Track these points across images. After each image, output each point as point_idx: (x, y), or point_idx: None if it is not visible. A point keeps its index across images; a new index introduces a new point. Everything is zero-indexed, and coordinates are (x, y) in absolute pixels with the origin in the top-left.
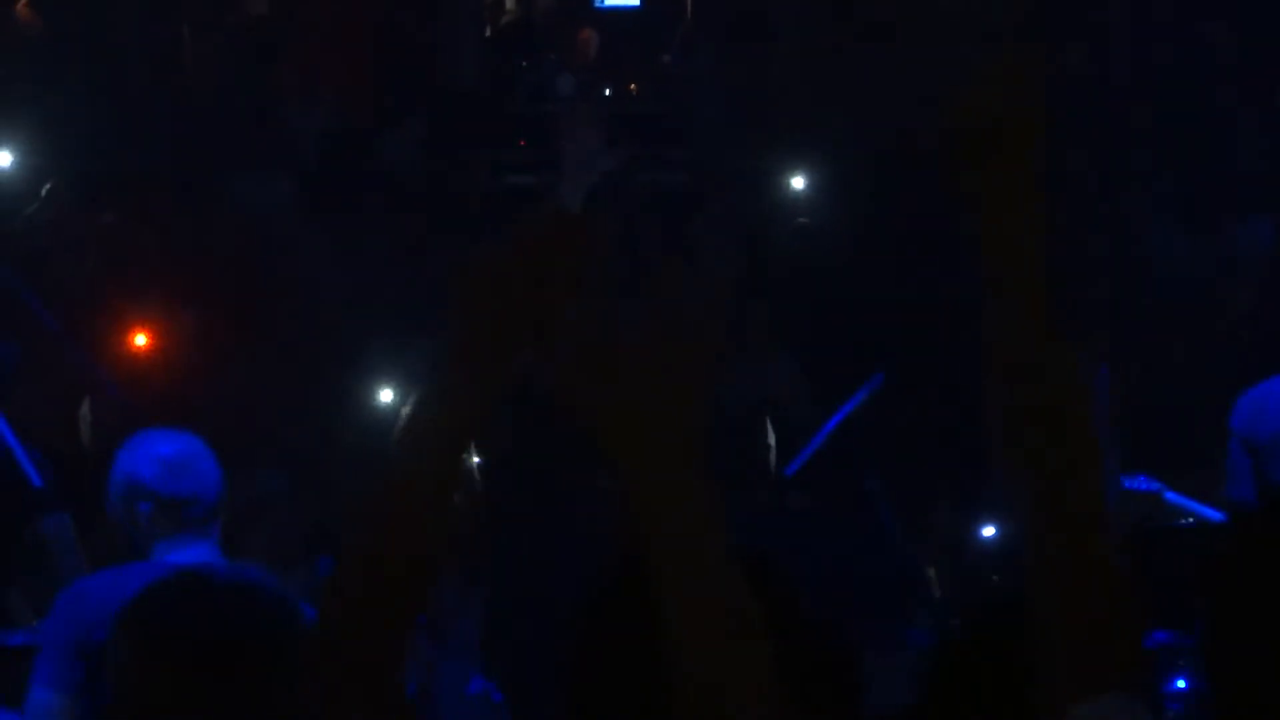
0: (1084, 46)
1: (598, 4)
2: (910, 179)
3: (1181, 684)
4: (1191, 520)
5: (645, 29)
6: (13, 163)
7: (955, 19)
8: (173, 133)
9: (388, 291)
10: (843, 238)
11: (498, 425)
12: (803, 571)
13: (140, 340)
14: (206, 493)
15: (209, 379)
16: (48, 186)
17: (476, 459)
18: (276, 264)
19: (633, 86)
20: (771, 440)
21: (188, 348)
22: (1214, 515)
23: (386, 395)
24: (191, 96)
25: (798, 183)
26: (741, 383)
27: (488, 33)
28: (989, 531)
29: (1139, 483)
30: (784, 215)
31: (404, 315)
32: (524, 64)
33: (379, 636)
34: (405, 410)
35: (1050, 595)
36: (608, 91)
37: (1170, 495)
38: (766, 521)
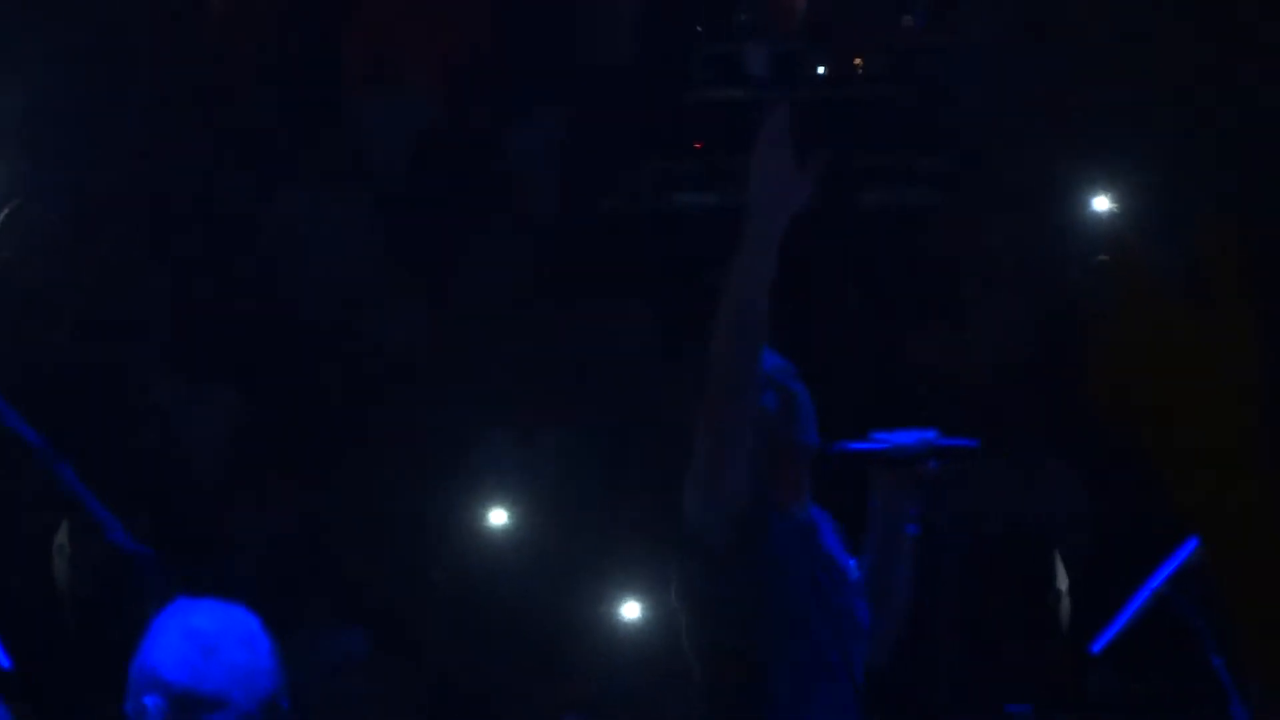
0: None
1: None
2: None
3: None
4: None
5: None
6: None
7: None
8: (187, 136)
9: (505, 364)
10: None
11: None
12: None
13: None
14: (244, 694)
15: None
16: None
17: None
18: (344, 323)
19: (859, 62)
20: (1064, 585)
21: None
22: None
23: (499, 517)
24: (214, 82)
25: (1101, 204)
26: (1009, 502)
27: None
28: None
29: None
30: (1078, 252)
31: (527, 398)
32: (700, 30)
33: None
34: None
35: None
36: (821, 70)
37: None
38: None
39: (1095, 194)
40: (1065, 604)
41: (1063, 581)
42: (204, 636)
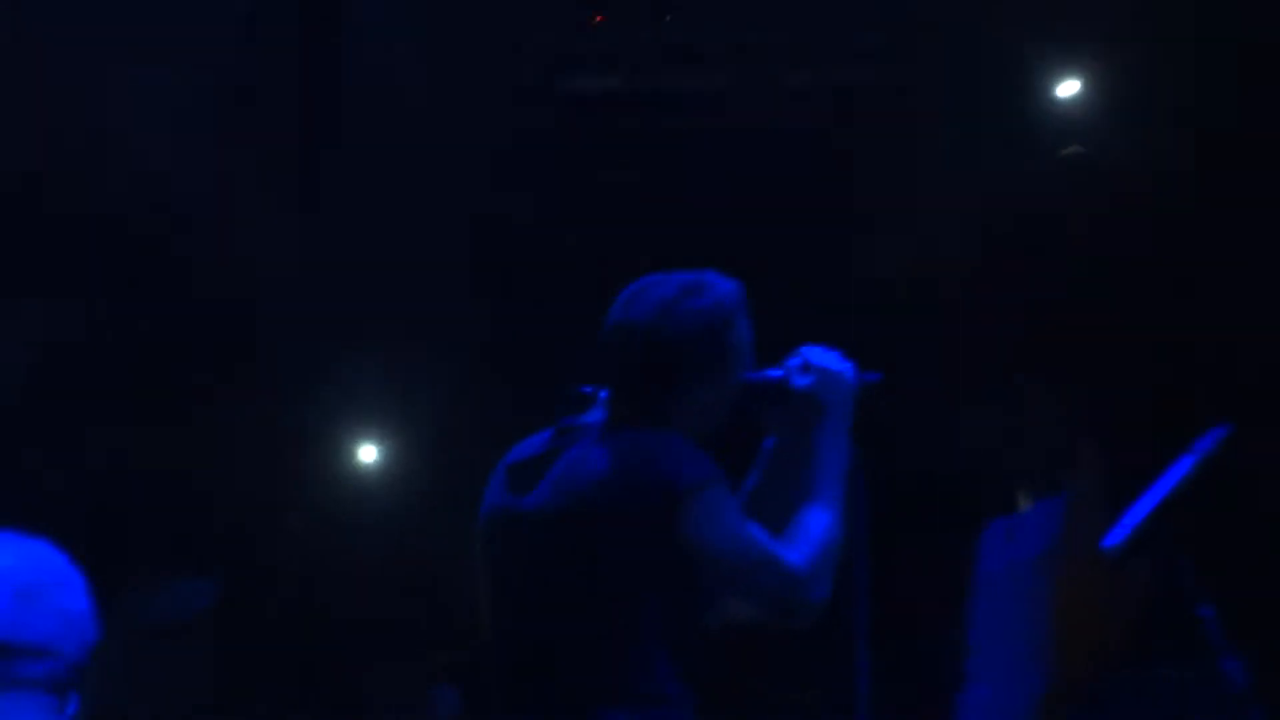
0: None
1: None
2: None
3: None
4: None
5: None
6: None
7: None
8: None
9: (366, 285)
10: (1148, 184)
11: None
12: None
13: None
14: (73, 643)
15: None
16: None
17: None
18: (181, 237)
19: None
20: None
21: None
22: None
23: (368, 453)
24: None
25: (1068, 89)
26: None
27: None
28: None
29: None
30: (1044, 141)
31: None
32: None
33: None
34: None
35: None
36: None
37: None
38: None
39: (1061, 78)
40: None
41: None
42: (15, 576)
